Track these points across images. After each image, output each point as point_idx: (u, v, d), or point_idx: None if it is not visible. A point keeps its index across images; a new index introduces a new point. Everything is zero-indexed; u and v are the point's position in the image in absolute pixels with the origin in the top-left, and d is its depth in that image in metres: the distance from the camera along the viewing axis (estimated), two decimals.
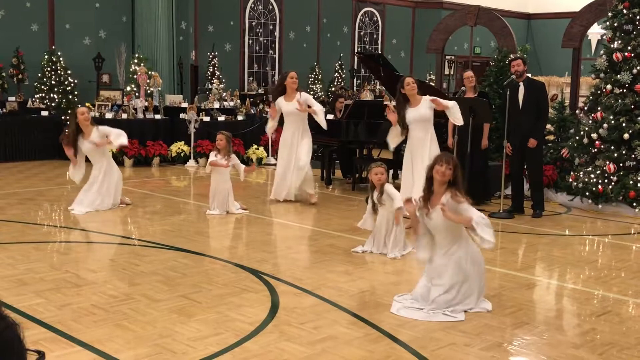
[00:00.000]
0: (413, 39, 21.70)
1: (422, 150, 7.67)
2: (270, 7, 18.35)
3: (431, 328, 4.37)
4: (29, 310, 4.48)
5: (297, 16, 18.81)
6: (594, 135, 8.93)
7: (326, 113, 9.91)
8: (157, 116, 12.86)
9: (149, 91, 13.23)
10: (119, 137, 8.16)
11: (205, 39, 16.83)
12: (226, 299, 4.81)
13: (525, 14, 23.89)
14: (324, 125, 8.85)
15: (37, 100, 13.27)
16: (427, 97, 7.72)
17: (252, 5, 17.97)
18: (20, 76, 13.27)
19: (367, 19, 20.75)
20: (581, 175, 8.95)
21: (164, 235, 6.84)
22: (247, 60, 18.10)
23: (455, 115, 7.62)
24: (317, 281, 5.34)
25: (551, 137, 10.01)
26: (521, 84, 8.21)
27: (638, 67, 8.73)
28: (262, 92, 17.74)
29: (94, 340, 3.99)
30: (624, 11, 9.00)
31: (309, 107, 8.74)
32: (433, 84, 13.53)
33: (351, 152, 10.75)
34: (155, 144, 12.42)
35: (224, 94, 14.69)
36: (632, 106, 8.75)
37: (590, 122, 9.14)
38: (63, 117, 12.96)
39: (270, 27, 18.48)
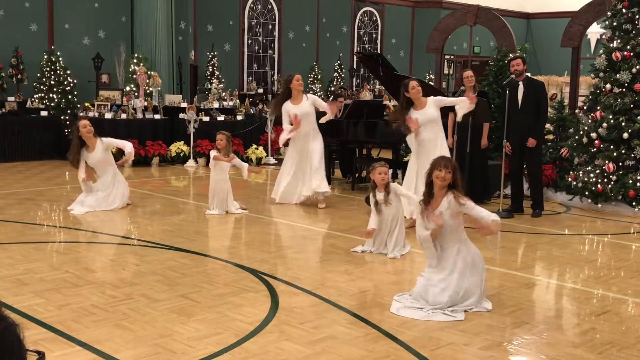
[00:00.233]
0: (412, 39, 21.69)
1: (433, 152, 7.51)
2: (270, 6, 18.35)
3: (431, 328, 4.37)
4: (29, 310, 4.48)
5: (297, 16, 18.81)
6: (594, 135, 8.93)
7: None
8: (157, 116, 12.86)
9: (148, 91, 13.23)
10: (130, 147, 8.40)
11: (204, 38, 16.83)
12: (226, 299, 4.81)
13: (524, 13, 23.89)
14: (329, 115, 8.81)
15: (37, 101, 13.28)
16: (432, 98, 7.63)
17: (252, 5, 17.97)
18: (19, 76, 13.28)
19: (366, 18, 20.75)
20: (581, 175, 8.95)
21: (163, 235, 6.84)
22: (246, 60, 18.10)
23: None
24: (317, 281, 5.35)
25: (551, 137, 10.01)
26: (520, 83, 8.20)
27: (637, 67, 8.73)
28: (262, 91, 17.75)
29: (93, 340, 3.99)
30: (623, 10, 9.00)
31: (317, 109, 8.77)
32: (432, 84, 13.52)
33: (351, 152, 10.75)
34: (155, 144, 12.43)
35: (224, 93, 14.70)
36: (632, 105, 8.75)
37: (589, 121, 9.14)
38: (62, 117, 12.97)
39: (270, 26, 18.48)
